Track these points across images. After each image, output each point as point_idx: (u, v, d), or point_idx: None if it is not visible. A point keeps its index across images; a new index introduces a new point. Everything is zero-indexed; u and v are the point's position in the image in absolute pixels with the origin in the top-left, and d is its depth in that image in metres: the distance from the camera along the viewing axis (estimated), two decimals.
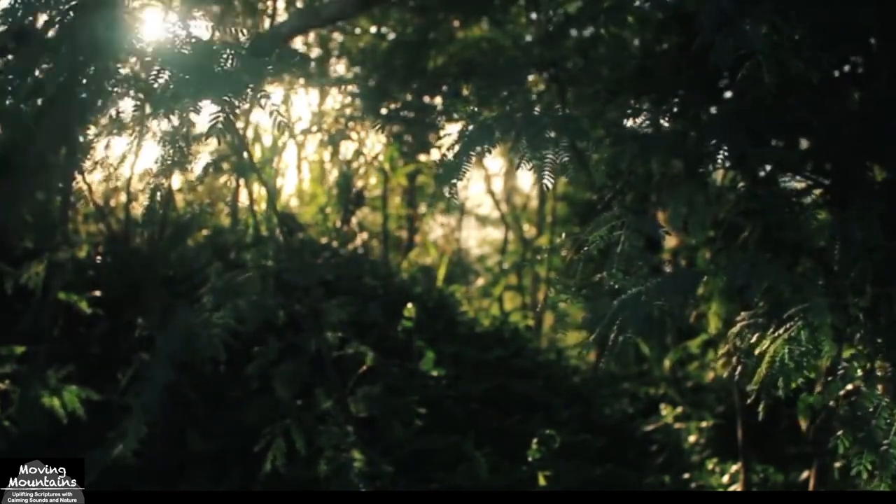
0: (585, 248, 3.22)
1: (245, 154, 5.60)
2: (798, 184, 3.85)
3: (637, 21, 4.96)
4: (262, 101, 3.11)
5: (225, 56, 3.13)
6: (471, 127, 3.30)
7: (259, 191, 9.13)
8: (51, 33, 3.25)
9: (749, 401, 3.24)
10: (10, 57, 3.40)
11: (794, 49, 3.07)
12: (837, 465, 4.83)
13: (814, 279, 3.14)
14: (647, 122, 3.74)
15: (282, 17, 9.38)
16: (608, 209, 3.39)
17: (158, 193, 3.70)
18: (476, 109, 3.40)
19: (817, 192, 3.87)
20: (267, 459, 4.97)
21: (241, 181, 8.94)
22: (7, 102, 3.39)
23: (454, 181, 3.21)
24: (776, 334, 3.03)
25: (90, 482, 3.89)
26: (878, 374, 3.24)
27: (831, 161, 3.83)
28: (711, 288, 4.44)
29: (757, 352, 3.12)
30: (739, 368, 3.22)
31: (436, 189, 11.45)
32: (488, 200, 14.58)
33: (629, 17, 4.42)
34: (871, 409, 3.04)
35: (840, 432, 3.13)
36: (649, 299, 2.92)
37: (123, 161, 6.06)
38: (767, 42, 3.05)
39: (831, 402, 3.20)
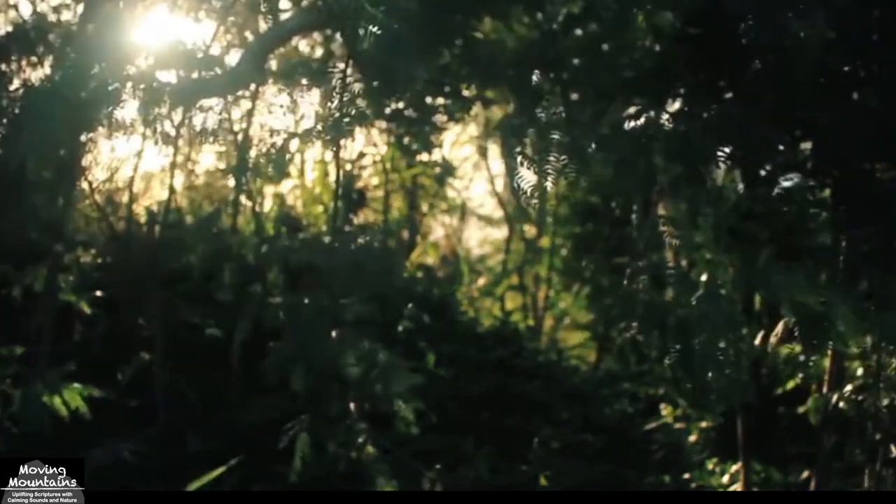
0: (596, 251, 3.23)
1: (248, 154, 5.60)
2: (802, 183, 3.86)
3: (645, 19, 4.95)
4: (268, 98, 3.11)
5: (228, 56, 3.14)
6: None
7: (262, 191, 9.13)
8: (55, 35, 3.26)
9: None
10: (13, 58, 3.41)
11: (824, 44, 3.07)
12: (837, 465, 4.84)
13: (819, 279, 3.15)
14: (649, 122, 3.74)
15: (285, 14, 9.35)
16: (609, 210, 3.40)
17: (161, 193, 3.70)
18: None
19: (822, 192, 3.87)
20: (296, 456, 4.99)
21: (244, 181, 8.92)
22: (8, 103, 3.40)
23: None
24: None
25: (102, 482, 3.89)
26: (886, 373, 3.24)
27: (836, 161, 3.82)
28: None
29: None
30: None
31: (437, 189, 11.48)
32: (489, 200, 14.57)
33: (639, 16, 4.42)
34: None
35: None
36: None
37: (126, 162, 6.07)
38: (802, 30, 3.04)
39: (840, 403, 3.21)
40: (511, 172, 3.58)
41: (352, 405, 5.31)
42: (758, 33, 3.00)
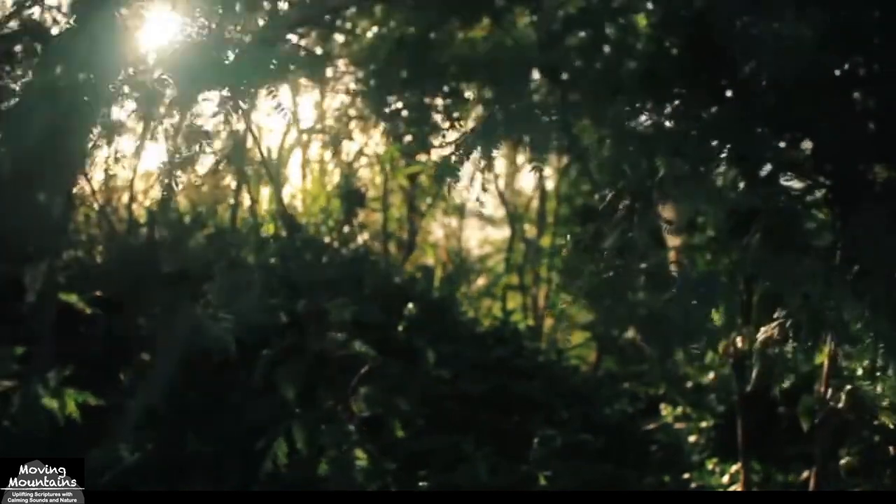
0: (597, 252, 3.24)
1: (247, 154, 5.61)
2: (800, 183, 3.86)
3: (646, 18, 4.95)
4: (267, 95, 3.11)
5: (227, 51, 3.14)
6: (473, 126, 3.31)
7: (261, 191, 9.14)
8: (55, 35, 3.26)
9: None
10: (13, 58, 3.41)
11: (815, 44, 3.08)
12: (835, 465, 4.83)
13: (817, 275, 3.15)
14: (649, 122, 3.74)
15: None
16: (610, 210, 3.40)
17: (160, 193, 3.71)
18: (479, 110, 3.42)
19: (819, 192, 3.87)
20: (267, 458, 4.97)
21: (244, 181, 8.94)
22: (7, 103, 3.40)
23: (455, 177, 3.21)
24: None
25: (102, 482, 3.88)
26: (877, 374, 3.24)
27: (835, 161, 3.83)
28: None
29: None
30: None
31: (436, 189, 11.47)
32: (491, 200, 14.54)
33: (637, 17, 4.42)
34: None
35: None
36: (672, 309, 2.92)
37: (125, 162, 6.07)
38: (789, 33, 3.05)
39: (834, 403, 3.21)
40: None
41: (339, 407, 5.31)
42: (749, 36, 3.00)
